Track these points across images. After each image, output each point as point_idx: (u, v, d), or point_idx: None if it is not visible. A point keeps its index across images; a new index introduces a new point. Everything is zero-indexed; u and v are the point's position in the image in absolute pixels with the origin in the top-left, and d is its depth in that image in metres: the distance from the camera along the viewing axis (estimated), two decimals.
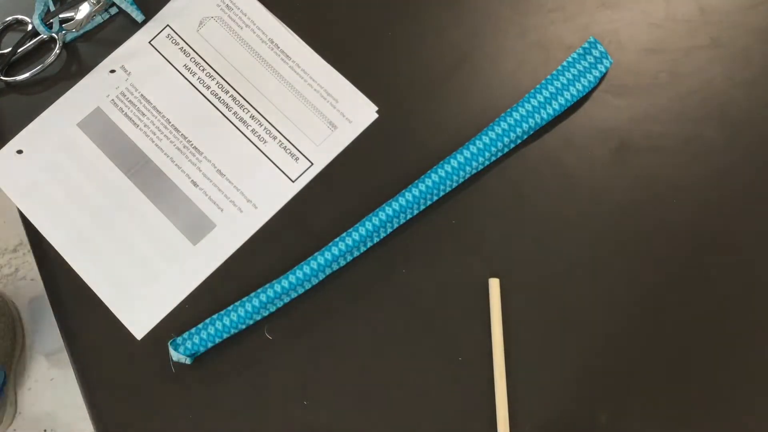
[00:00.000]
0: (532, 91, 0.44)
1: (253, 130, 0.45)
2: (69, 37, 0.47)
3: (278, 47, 0.47)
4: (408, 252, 0.43)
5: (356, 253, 0.42)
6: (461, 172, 0.42)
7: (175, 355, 0.40)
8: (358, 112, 0.45)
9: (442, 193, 0.43)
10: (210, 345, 0.41)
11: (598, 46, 0.44)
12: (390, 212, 0.42)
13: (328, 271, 0.42)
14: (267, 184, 0.44)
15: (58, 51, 0.46)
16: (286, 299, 0.42)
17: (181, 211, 0.44)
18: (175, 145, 0.45)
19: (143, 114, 0.46)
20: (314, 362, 0.42)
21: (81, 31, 0.47)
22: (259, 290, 0.41)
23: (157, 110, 0.46)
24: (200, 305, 0.43)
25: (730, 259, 0.42)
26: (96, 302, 0.43)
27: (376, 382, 0.41)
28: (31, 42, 0.47)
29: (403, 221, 0.43)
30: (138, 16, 0.47)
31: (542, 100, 0.43)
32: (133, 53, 0.47)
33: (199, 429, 0.41)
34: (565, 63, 0.44)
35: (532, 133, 0.44)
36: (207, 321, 0.41)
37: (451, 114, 0.45)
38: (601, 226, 0.42)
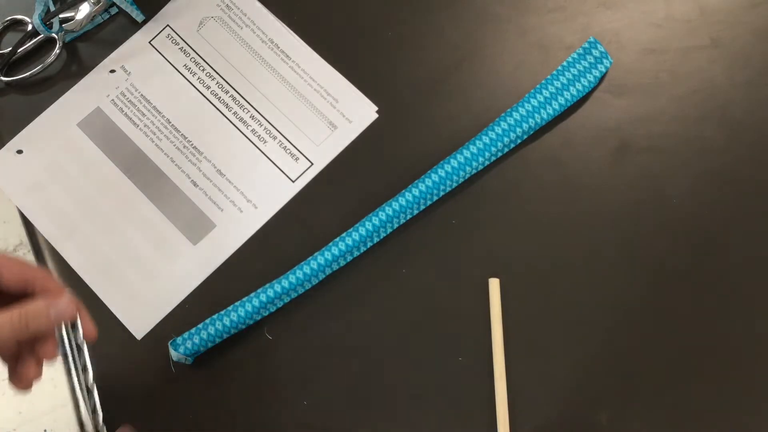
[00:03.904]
0: (532, 91, 0.44)
1: (253, 130, 0.45)
2: (69, 37, 0.47)
3: (278, 47, 0.47)
4: (408, 252, 0.43)
5: (356, 253, 0.42)
6: (461, 172, 0.42)
7: (175, 355, 0.40)
8: (358, 112, 0.45)
9: (442, 193, 0.43)
10: (210, 345, 0.41)
11: (598, 46, 0.44)
12: (390, 212, 0.42)
13: (328, 271, 0.42)
14: (267, 184, 0.44)
15: (58, 51, 0.46)
16: (286, 299, 0.42)
17: (181, 211, 0.44)
18: (175, 145, 0.45)
19: (143, 114, 0.46)
20: (314, 362, 0.42)
21: (81, 31, 0.47)
22: (259, 290, 0.41)
23: (157, 110, 0.46)
24: (200, 305, 0.43)
25: (730, 259, 0.42)
26: (96, 302, 0.43)
27: (375, 382, 0.41)
28: (31, 42, 0.47)
29: (403, 221, 0.43)
30: (138, 16, 0.47)
31: (542, 100, 0.43)
32: (133, 53, 0.47)
33: (199, 429, 0.41)
34: (565, 63, 0.44)
35: (532, 133, 0.44)
36: (207, 321, 0.41)
37: (451, 114, 0.45)
38: (601, 225, 0.42)
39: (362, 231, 0.41)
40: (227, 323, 0.41)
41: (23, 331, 0.30)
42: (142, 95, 0.46)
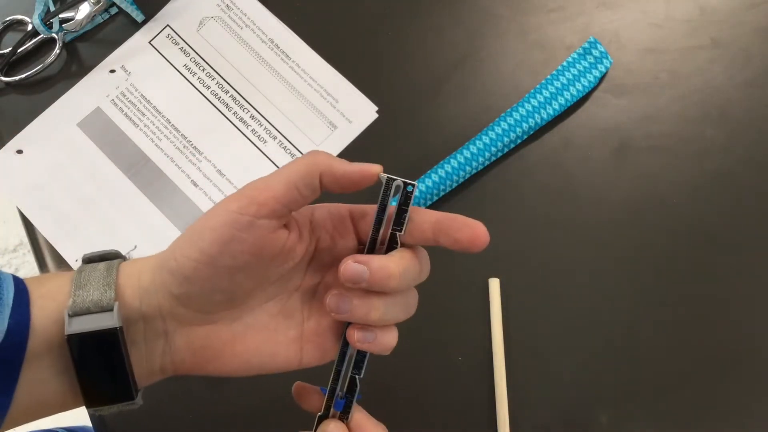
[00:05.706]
0: (532, 91, 0.44)
1: (253, 130, 0.45)
2: (69, 37, 0.47)
3: (278, 47, 0.46)
4: None
5: None
6: (461, 172, 0.42)
7: None
8: (358, 112, 0.45)
9: (442, 194, 0.43)
10: None
11: (598, 46, 0.44)
12: None
13: None
14: None
15: (58, 51, 0.46)
16: None
17: (181, 211, 0.44)
18: (175, 145, 0.45)
19: (143, 114, 0.46)
20: None
21: (81, 31, 0.47)
22: None
23: (157, 110, 0.46)
24: None
25: (730, 259, 0.42)
26: None
27: (376, 382, 0.41)
28: (31, 42, 0.47)
29: None
30: (138, 16, 0.47)
31: (542, 100, 0.43)
32: (133, 53, 0.47)
33: (199, 429, 0.41)
34: (565, 63, 0.44)
35: (532, 133, 0.44)
36: None
37: (451, 114, 0.45)
38: (601, 225, 0.42)
39: None
40: None
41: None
42: (142, 95, 0.46)
